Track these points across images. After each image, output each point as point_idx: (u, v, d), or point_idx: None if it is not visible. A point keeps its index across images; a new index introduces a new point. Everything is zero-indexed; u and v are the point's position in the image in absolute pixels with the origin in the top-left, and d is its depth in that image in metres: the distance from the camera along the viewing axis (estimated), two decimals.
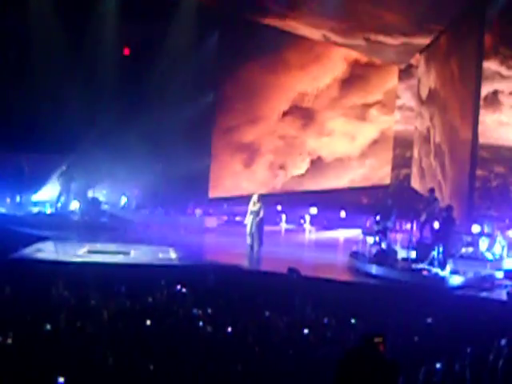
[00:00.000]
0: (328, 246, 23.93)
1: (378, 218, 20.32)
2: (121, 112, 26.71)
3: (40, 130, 25.57)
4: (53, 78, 26.42)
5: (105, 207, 26.57)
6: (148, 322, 11.62)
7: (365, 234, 21.22)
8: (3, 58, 27.43)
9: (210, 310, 12.70)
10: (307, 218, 28.16)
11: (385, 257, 19.51)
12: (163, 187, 27.74)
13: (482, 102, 24.63)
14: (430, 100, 28.56)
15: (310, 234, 27.00)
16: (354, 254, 20.55)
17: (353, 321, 12.62)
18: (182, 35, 27.45)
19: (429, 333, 12.05)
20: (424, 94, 29.15)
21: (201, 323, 11.90)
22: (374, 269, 19.21)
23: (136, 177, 27.54)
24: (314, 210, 28.40)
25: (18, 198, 26.42)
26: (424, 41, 28.24)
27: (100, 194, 27.02)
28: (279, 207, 28.43)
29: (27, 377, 9.29)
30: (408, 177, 29.94)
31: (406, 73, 30.58)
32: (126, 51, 28.66)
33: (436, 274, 18.53)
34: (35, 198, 26.93)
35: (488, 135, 25.29)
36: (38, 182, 26.95)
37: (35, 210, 26.08)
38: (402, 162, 30.16)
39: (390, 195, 25.11)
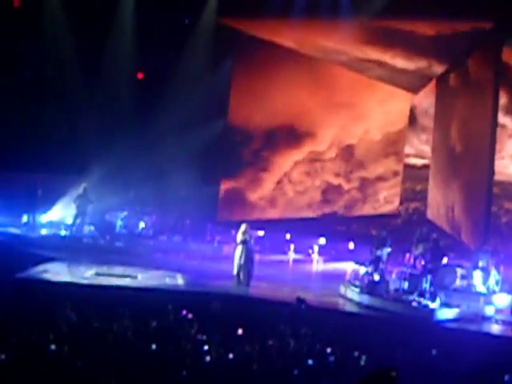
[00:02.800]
0: (332, 276, 23.71)
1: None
2: (135, 136, 26.83)
3: (54, 152, 25.69)
4: (67, 100, 26.61)
5: (122, 231, 26.58)
6: (153, 347, 11.58)
7: (358, 263, 21.30)
8: (19, 80, 27.62)
9: (214, 337, 12.65)
10: (315, 248, 28.05)
11: (376, 287, 19.49)
12: (180, 213, 27.72)
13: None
14: (443, 131, 28.45)
15: (318, 264, 26.89)
16: (347, 284, 20.55)
17: (356, 353, 12.58)
18: (195, 60, 27.66)
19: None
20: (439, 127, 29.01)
21: (206, 347, 11.86)
22: (365, 299, 19.26)
23: (154, 202, 27.58)
24: (322, 241, 28.30)
25: (31, 219, 26.48)
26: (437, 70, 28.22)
27: (118, 218, 26.98)
28: (288, 236, 28.34)
29: None
30: (417, 210, 29.79)
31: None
32: (140, 75, 28.86)
33: (425, 306, 18.45)
34: (45, 218, 26.94)
35: (499, 171, 25.32)
36: (51, 202, 27.02)
37: (50, 231, 26.07)
38: (411, 196, 30.04)
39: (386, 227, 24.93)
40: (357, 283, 20.17)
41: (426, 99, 28.97)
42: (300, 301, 17.01)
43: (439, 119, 28.27)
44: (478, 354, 13.17)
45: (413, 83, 28.98)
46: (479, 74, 26.29)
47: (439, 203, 28.34)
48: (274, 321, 14.59)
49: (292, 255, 27.69)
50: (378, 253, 20.01)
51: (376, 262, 19.92)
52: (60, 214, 27.26)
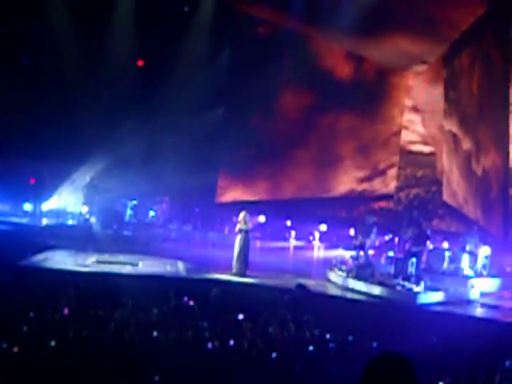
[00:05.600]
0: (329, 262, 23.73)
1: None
2: (135, 122, 26.84)
3: (54, 139, 25.61)
4: (67, 88, 26.58)
5: (132, 220, 26.56)
6: (154, 334, 11.60)
7: (345, 249, 21.33)
8: (19, 68, 27.57)
9: (214, 324, 12.67)
10: (317, 234, 28.08)
11: (361, 271, 19.63)
12: (186, 201, 27.71)
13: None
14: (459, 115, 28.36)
15: (319, 250, 26.91)
16: (333, 268, 20.67)
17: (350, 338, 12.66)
18: (195, 48, 27.62)
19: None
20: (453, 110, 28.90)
21: (206, 334, 11.88)
22: (350, 282, 19.41)
23: (164, 191, 27.57)
24: (323, 227, 28.32)
25: (36, 208, 26.47)
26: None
27: (127, 207, 26.94)
28: (289, 223, 28.35)
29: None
30: (418, 196, 29.77)
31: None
32: (140, 62, 28.84)
33: (410, 290, 18.54)
34: (46, 206, 26.93)
35: None
36: (51, 191, 27.03)
37: (57, 221, 26.10)
38: (412, 182, 30.03)
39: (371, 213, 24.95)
40: (343, 267, 20.34)
41: (429, 84, 28.92)
42: (300, 287, 17.02)
43: (450, 102, 28.17)
44: (463, 337, 13.22)
45: (415, 65, 29.00)
46: (490, 53, 26.15)
47: (455, 186, 28.25)
48: (274, 307, 14.62)
49: (293, 242, 27.72)
50: (366, 238, 20.11)
51: (362, 246, 20.01)
52: (60, 203, 27.24)
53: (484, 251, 21.15)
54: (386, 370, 4.28)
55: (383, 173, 30.01)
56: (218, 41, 28.22)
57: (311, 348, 11.88)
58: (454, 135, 27.67)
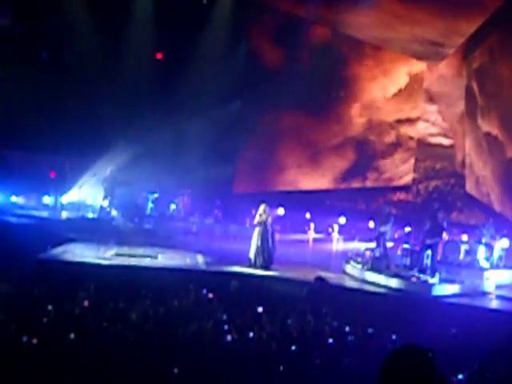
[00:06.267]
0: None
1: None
2: (154, 115, 26.88)
3: (74, 133, 25.61)
4: (87, 82, 26.64)
5: (153, 213, 26.57)
6: (171, 326, 11.64)
7: (362, 240, 21.32)
8: (38, 61, 27.63)
9: (233, 316, 12.70)
10: (336, 227, 28.02)
11: (377, 263, 19.64)
12: (210, 193, 27.70)
13: None
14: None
15: (338, 243, 26.86)
16: (349, 260, 20.70)
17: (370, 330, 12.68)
18: (214, 40, 27.62)
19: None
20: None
21: (226, 327, 11.92)
22: (365, 275, 19.43)
23: (186, 183, 27.58)
24: (342, 220, 28.25)
25: (57, 201, 26.54)
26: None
27: (148, 200, 26.96)
28: (308, 215, 28.31)
29: (52, 376, 9.34)
30: (437, 188, 29.65)
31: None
32: (159, 55, 28.87)
33: (425, 282, 18.50)
34: (65, 199, 26.98)
35: None
36: (71, 184, 27.11)
37: (77, 214, 26.14)
38: (431, 174, 29.90)
39: (388, 204, 24.86)
40: (358, 259, 20.35)
41: (449, 74, 28.76)
42: (320, 280, 17.01)
43: (472, 95, 28.01)
44: (480, 329, 13.20)
45: (432, 56, 28.84)
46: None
47: (479, 178, 28.12)
48: (293, 300, 14.63)
49: (312, 234, 27.68)
50: (382, 229, 20.06)
51: (379, 238, 19.98)
52: (81, 196, 27.32)
53: (503, 243, 21.06)
54: (406, 363, 4.27)
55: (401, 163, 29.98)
56: (237, 33, 28.19)
57: (330, 341, 11.88)
58: (490, 135, 27.47)
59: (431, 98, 29.42)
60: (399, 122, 29.80)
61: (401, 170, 29.99)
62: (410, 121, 29.71)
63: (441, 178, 29.77)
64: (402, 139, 29.84)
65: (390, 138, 29.96)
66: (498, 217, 25.29)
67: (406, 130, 29.80)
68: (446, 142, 29.28)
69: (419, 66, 29.33)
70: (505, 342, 11.91)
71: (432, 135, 29.81)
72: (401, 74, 29.60)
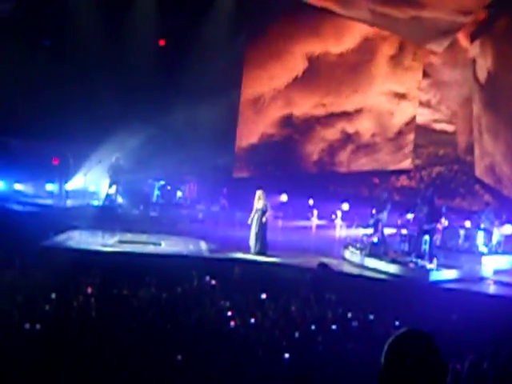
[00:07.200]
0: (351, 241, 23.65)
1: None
2: (156, 102, 26.85)
3: (74, 120, 25.55)
4: (88, 68, 26.60)
5: (160, 201, 26.51)
6: (175, 313, 11.68)
7: (360, 226, 21.40)
8: (40, 48, 27.59)
9: (236, 303, 12.73)
10: (339, 213, 27.98)
11: (375, 249, 19.68)
12: (216, 180, 27.65)
13: None
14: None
15: (341, 229, 26.83)
16: (347, 246, 20.73)
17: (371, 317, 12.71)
18: (216, 28, 27.57)
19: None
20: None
21: (229, 313, 11.95)
22: (364, 260, 19.46)
23: (192, 171, 27.52)
24: (345, 207, 28.21)
25: (62, 189, 26.48)
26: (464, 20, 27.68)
27: (155, 188, 26.93)
28: (311, 202, 28.27)
29: (56, 362, 9.37)
30: (441, 175, 29.61)
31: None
32: (162, 42, 28.83)
33: (422, 267, 18.52)
34: (71, 186, 26.89)
35: None
36: (74, 171, 27.06)
37: (82, 202, 26.07)
38: (434, 160, 29.87)
39: (387, 190, 24.84)
40: (357, 245, 20.36)
41: (452, 60, 28.66)
42: (323, 266, 17.02)
43: (479, 79, 27.91)
44: (475, 314, 13.23)
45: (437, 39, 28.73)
46: None
47: (489, 162, 28.05)
48: (296, 286, 14.66)
49: (315, 221, 27.68)
50: (380, 215, 20.08)
51: (376, 224, 19.99)
52: (86, 183, 27.25)
53: (506, 229, 21.06)
54: (409, 346, 4.29)
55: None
56: (239, 21, 28.13)
57: (334, 327, 11.91)
58: (498, 119, 27.34)
59: (434, 83, 29.35)
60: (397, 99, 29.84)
61: (399, 154, 30.00)
62: (406, 98, 29.72)
63: (444, 164, 29.71)
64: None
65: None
66: (503, 202, 25.21)
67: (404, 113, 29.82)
68: (448, 128, 29.21)
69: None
70: (505, 329, 11.92)
71: (435, 121, 29.74)
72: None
